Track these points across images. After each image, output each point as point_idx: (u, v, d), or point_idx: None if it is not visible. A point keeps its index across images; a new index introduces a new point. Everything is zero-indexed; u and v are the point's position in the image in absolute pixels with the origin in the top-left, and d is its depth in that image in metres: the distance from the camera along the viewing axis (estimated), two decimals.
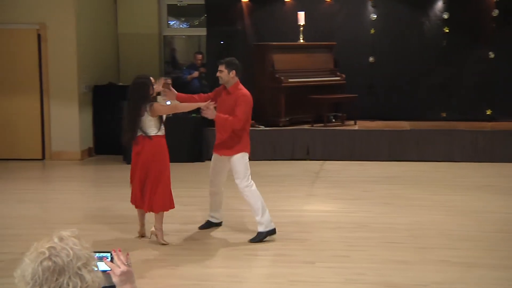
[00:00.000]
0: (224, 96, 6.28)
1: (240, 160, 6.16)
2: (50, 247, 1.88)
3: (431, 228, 6.52)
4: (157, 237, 6.08)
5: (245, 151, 6.21)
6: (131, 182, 6.16)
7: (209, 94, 6.52)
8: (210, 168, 6.50)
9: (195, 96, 6.51)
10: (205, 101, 6.16)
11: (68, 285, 1.85)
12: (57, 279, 1.84)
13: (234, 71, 6.20)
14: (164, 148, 6.07)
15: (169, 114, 10.40)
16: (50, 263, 1.85)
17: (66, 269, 1.86)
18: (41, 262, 1.85)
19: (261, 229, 6.12)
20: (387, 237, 6.22)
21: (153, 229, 6.14)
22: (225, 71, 6.20)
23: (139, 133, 5.96)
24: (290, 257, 5.65)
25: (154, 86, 6.08)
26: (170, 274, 5.23)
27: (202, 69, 11.45)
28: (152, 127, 5.98)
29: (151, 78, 6.11)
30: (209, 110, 6.03)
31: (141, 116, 5.93)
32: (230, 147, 6.22)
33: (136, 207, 6.20)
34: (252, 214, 6.22)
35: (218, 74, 6.26)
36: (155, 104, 6.02)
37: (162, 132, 6.07)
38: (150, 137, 5.95)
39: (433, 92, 11.35)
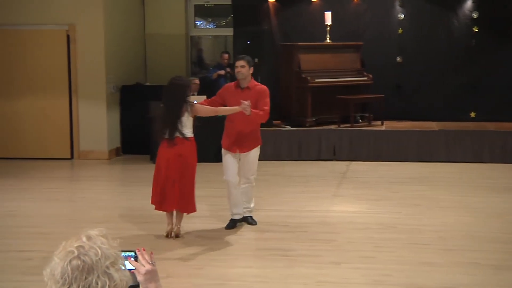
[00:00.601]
0: (239, 94, 6.31)
1: (258, 153, 6.47)
2: (78, 246, 1.90)
3: (458, 230, 6.44)
4: (177, 235, 6.19)
5: (261, 144, 6.52)
6: (159, 182, 6.14)
7: (214, 98, 6.57)
8: (227, 167, 6.51)
9: (204, 102, 6.55)
10: (207, 103, 6.35)
11: (97, 284, 1.86)
12: (86, 278, 1.86)
13: (252, 67, 6.37)
14: (196, 150, 6.17)
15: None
16: (79, 262, 1.87)
17: (95, 268, 1.87)
18: (70, 261, 1.87)
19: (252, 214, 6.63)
20: (414, 238, 6.16)
21: (175, 228, 6.22)
22: (247, 66, 6.31)
23: (177, 134, 5.99)
24: (316, 258, 5.63)
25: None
26: (195, 274, 5.25)
27: (228, 69, 11.48)
28: (189, 128, 6.03)
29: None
30: (248, 107, 6.02)
31: (181, 117, 5.95)
32: (252, 142, 6.37)
33: (162, 209, 6.20)
34: (246, 203, 6.61)
35: (238, 70, 6.31)
36: (196, 105, 6.06)
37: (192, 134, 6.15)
38: (187, 138, 6.02)
39: (462, 93, 11.22)
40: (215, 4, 12.89)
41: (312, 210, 7.23)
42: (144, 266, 2.28)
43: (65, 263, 1.87)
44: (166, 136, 6.06)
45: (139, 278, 2.27)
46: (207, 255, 5.72)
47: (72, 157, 10.84)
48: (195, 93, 10.69)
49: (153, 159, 10.33)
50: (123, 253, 2.50)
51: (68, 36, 10.66)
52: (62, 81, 10.73)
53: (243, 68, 6.30)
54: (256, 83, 6.48)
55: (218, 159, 10.32)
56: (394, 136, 10.42)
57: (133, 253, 2.62)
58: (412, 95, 11.42)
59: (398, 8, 11.41)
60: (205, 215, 7.15)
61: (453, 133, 10.33)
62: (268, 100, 6.33)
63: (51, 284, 1.89)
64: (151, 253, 2.34)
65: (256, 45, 10.89)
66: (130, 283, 2.02)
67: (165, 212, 6.27)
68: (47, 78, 10.71)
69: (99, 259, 1.88)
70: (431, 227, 6.53)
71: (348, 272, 5.27)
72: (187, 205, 6.16)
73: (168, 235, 6.23)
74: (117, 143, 11.21)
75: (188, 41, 12.63)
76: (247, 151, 6.42)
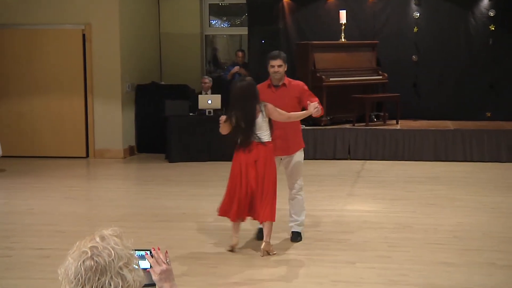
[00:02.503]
0: (275, 92, 5.91)
1: (302, 157, 6.07)
2: (92, 246, 1.90)
3: (475, 230, 6.39)
4: (268, 253, 5.65)
5: (304, 147, 6.17)
6: (232, 190, 5.65)
7: None
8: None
9: None
10: None
11: (110, 285, 1.87)
12: (99, 279, 1.86)
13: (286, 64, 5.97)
14: (273, 155, 5.70)
15: (210, 112, 10.45)
16: (92, 262, 1.87)
17: (108, 269, 1.87)
18: (83, 261, 1.88)
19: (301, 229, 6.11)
20: (430, 238, 6.12)
21: (263, 245, 5.65)
22: (283, 65, 5.88)
23: (252, 139, 5.56)
24: (331, 257, 5.61)
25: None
26: (211, 273, 5.25)
27: (242, 71, 11.47)
28: (265, 131, 5.58)
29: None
30: (318, 108, 5.72)
31: (256, 119, 5.53)
32: (295, 143, 5.99)
33: (229, 215, 5.70)
34: (294, 215, 6.11)
35: (276, 70, 5.83)
36: (269, 106, 5.60)
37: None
38: (264, 143, 5.57)
39: (478, 91, 11.14)
40: (229, 3, 12.90)
41: (327, 209, 7.21)
42: (159, 266, 2.28)
43: (79, 264, 1.88)
44: (240, 141, 5.62)
45: (154, 277, 2.27)
46: (222, 254, 5.72)
47: (87, 155, 10.90)
48: (208, 92, 10.71)
49: (168, 158, 10.40)
50: (138, 252, 2.52)
51: (83, 36, 10.73)
52: (78, 80, 10.80)
53: (280, 68, 5.85)
54: (290, 79, 6.08)
55: (232, 158, 10.39)
56: (409, 135, 10.37)
57: (148, 252, 2.63)
58: (428, 94, 11.36)
59: (413, 6, 11.35)
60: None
61: (470, 132, 10.26)
62: (310, 93, 6.02)
63: (65, 284, 1.90)
64: (166, 252, 2.34)
65: (271, 44, 10.89)
66: (144, 282, 2.03)
67: (231, 223, 5.75)
68: (63, 77, 10.78)
69: (112, 259, 1.89)
70: (447, 227, 6.48)
71: (364, 271, 5.25)
72: (263, 214, 5.55)
73: (232, 249, 5.72)
74: (132, 142, 11.25)
75: (203, 40, 12.65)
76: (292, 153, 5.98)
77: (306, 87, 6.06)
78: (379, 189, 8.29)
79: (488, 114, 11.08)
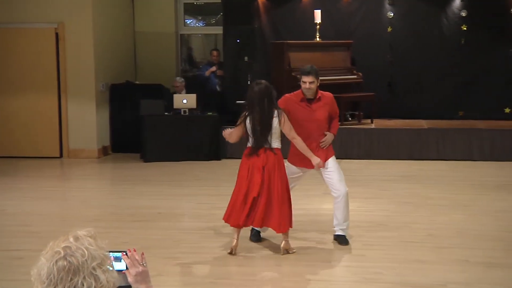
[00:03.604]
0: (309, 106, 5.81)
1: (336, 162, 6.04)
2: (65, 246, 1.88)
3: (449, 228, 6.46)
4: (288, 251, 5.64)
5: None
6: (236, 194, 5.55)
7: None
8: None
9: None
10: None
11: (83, 285, 1.85)
12: (71, 279, 1.85)
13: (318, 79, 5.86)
14: (282, 162, 5.63)
15: (185, 111, 10.44)
16: (65, 262, 1.86)
17: (81, 269, 1.86)
18: (56, 261, 1.86)
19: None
20: (405, 236, 6.17)
21: (283, 243, 5.64)
22: (315, 81, 5.79)
23: (262, 144, 5.49)
24: (307, 256, 5.63)
25: None
26: (187, 273, 5.23)
27: (220, 72, 11.46)
28: (277, 137, 5.54)
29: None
30: (321, 162, 5.70)
31: (270, 123, 5.46)
32: (328, 152, 5.94)
33: (229, 221, 5.57)
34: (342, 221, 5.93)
35: (308, 86, 5.74)
36: (285, 115, 5.53)
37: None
38: (273, 149, 5.51)
39: (451, 91, 11.26)
40: (204, 2, 12.87)
41: (303, 208, 7.22)
42: (135, 267, 2.26)
43: (51, 264, 1.86)
44: (251, 144, 5.54)
45: (130, 279, 2.26)
46: (198, 254, 5.70)
47: (61, 155, 10.79)
48: (182, 93, 10.67)
49: (143, 157, 10.34)
50: (114, 253, 2.49)
51: (57, 34, 10.61)
52: (51, 79, 10.67)
53: (312, 85, 5.74)
54: (321, 91, 5.91)
55: (209, 157, 10.40)
56: (384, 134, 10.44)
57: (124, 253, 2.61)
58: (402, 93, 11.44)
59: (387, 6, 11.43)
60: (196, 214, 7.14)
61: (443, 131, 10.37)
62: (336, 106, 6.03)
63: (37, 285, 1.88)
64: (142, 253, 2.33)
65: (246, 44, 10.88)
66: (118, 284, 2.01)
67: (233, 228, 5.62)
68: (36, 76, 10.65)
69: (86, 260, 1.87)
70: (422, 225, 6.54)
71: (339, 270, 5.28)
72: (281, 223, 5.46)
73: (232, 252, 5.58)
74: (106, 142, 11.16)
75: (178, 39, 12.60)
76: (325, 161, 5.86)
77: (334, 99, 6.01)
78: (354, 188, 8.29)
79: (461, 113, 11.21)
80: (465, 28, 11.17)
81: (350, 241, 5.98)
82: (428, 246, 5.86)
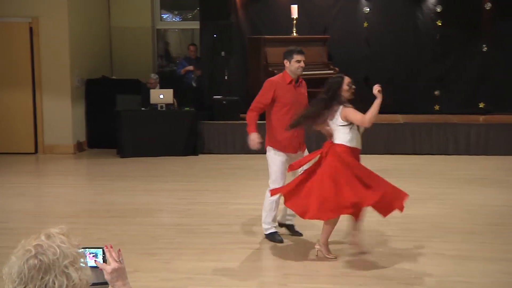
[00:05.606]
0: (296, 90, 5.76)
1: (269, 153, 6.02)
2: (36, 245, 1.86)
3: (425, 221, 6.53)
4: (322, 252, 5.45)
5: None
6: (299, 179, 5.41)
7: (256, 104, 5.91)
8: (282, 174, 5.90)
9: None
10: None
11: (54, 284, 1.83)
12: (42, 278, 1.83)
13: None
14: (337, 157, 5.55)
15: (162, 106, 10.39)
16: (36, 261, 1.84)
17: (52, 268, 1.84)
18: (27, 260, 1.84)
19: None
20: (382, 230, 6.22)
21: (317, 246, 5.51)
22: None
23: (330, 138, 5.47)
24: (284, 251, 5.65)
25: None
26: (164, 268, 5.22)
27: (198, 72, 11.40)
28: (340, 133, 5.59)
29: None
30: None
31: (333, 118, 5.47)
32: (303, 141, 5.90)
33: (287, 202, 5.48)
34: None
35: (302, 64, 5.65)
36: (349, 108, 5.64)
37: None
38: (335, 145, 5.52)
39: (427, 85, 11.34)
40: None
41: (280, 203, 7.23)
42: (111, 264, 2.25)
43: (22, 262, 1.84)
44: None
45: (106, 276, 2.24)
46: (174, 250, 5.69)
47: (36, 151, 10.68)
48: (156, 88, 10.61)
49: (120, 153, 10.27)
50: (90, 250, 2.48)
51: (31, 29, 10.48)
52: (26, 74, 10.55)
53: (304, 64, 5.69)
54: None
55: (186, 152, 10.37)
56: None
57: (100, 250, 2.60)
58: None
59: (363, 1, 11.47)
60: (174, 209, 7.12)
61: (418, 126, 10.47)
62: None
63: (8, 284, 1.86)
64: (119, 250, 2.32)
65: (223, 39, 10.85)
66: (92, 281, 2.00)
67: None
68: (10, 71, 10.52)
69: (57, 258, 1.85)
70: (398, 219, 6.57)
71: (315, 264, 5.30)
72: (309, 209, 5.23)
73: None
74: (82, 137, 11.07)
75: (154, 34, 12.52)
76: (305, 149, 5.80)
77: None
78: None
79: (437, 108, 11.31)
80: (440, 24, 11.26)
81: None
82: (404, 240, 5.92)
